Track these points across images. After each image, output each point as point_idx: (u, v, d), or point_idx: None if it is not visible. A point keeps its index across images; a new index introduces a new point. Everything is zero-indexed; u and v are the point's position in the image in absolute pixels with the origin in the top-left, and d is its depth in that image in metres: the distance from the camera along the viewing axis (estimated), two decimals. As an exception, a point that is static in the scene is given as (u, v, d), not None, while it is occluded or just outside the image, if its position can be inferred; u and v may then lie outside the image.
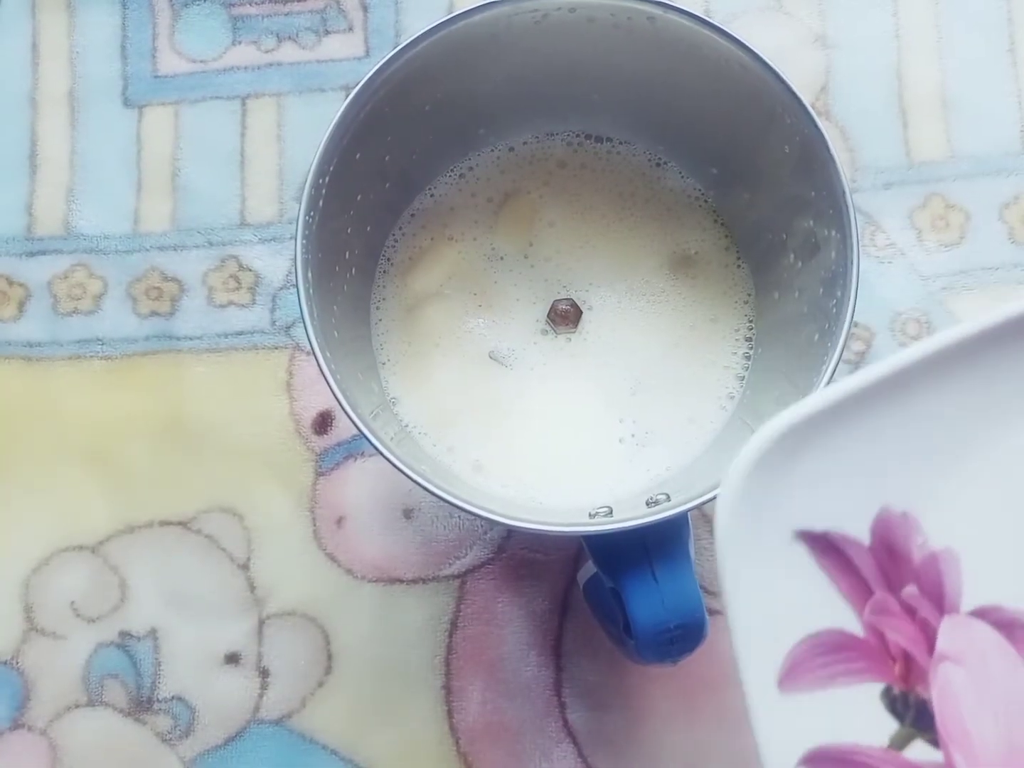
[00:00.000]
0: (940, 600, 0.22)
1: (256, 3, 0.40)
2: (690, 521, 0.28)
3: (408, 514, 0.36)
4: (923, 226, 0.38)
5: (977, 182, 0.38)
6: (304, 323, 0.27)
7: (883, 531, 0.22)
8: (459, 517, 0.36)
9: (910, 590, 0.22)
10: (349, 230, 0.30)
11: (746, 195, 0.32)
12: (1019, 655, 0.22)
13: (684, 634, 0.26)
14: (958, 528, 0.22)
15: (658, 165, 0.34)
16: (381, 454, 0.26)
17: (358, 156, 0.29)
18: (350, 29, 0.40)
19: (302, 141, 0.39)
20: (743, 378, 0.32)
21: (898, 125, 0.38)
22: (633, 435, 0.32)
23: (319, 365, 0.27)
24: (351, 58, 0.39)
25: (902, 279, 0.37)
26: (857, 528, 0.22)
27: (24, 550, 0.36)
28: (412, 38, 0.28)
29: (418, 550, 0.36)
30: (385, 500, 0.36)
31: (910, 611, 0.22)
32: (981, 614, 0.23)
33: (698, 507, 0.26)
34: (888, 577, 0.22)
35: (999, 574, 0.23)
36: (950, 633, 0.22)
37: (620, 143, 0.34)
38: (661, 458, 0.32)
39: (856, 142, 0.38)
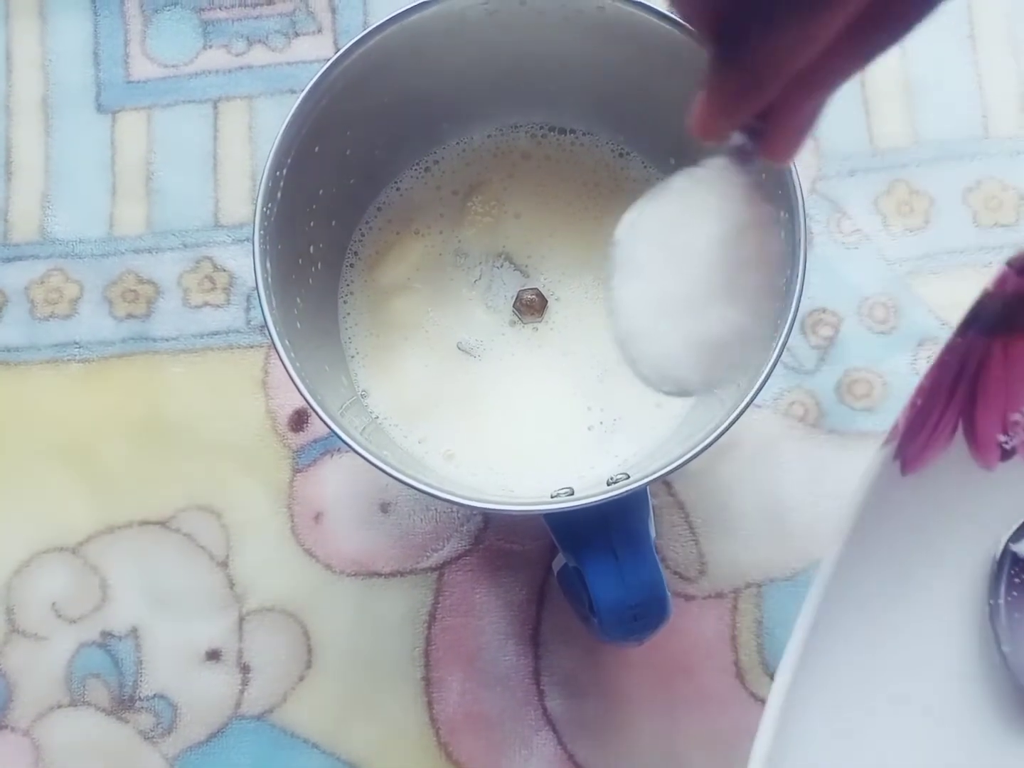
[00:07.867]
0: None
1: (226, 7, 0.40)
2: (650, 501, 0.29)
3: (385, 508, 0.36)
4: (888, 212, 0.38)
5: (940, 167, 0.38)
6: (262, 310, 0.27)
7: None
8: (435, 510, 0.36)
9: None
10: (312, 224, 0.31)
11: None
12: None
13: (645, 611, 0.27)
14: None
15: (621, 156, 0.34)
16: (342, 439, 0.26)
17: (317, 149, 0.29)
18: (319, 31, 0.40)
19: (274, 142, 0.39)
20: (708, 363, 0.32)
21: (861, 113, 0.39)
22: (601, 422, 0.32)
23: (277, 350, 0.27)
24: (321, 59, 0.40)
25: (869, 264, 0.38)
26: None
27: (5, 552, 0.36)
28: (366, 31, 0.28)
29: (395, 544, 0.36)
30: (362, 495, 0.36)
31: None
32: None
33: (656, 480, 0.26)
34: None
35: None
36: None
37: (583, 134, 0.34)
38: (629, 444, 0.32)
39: (820, 131, 0.39)
